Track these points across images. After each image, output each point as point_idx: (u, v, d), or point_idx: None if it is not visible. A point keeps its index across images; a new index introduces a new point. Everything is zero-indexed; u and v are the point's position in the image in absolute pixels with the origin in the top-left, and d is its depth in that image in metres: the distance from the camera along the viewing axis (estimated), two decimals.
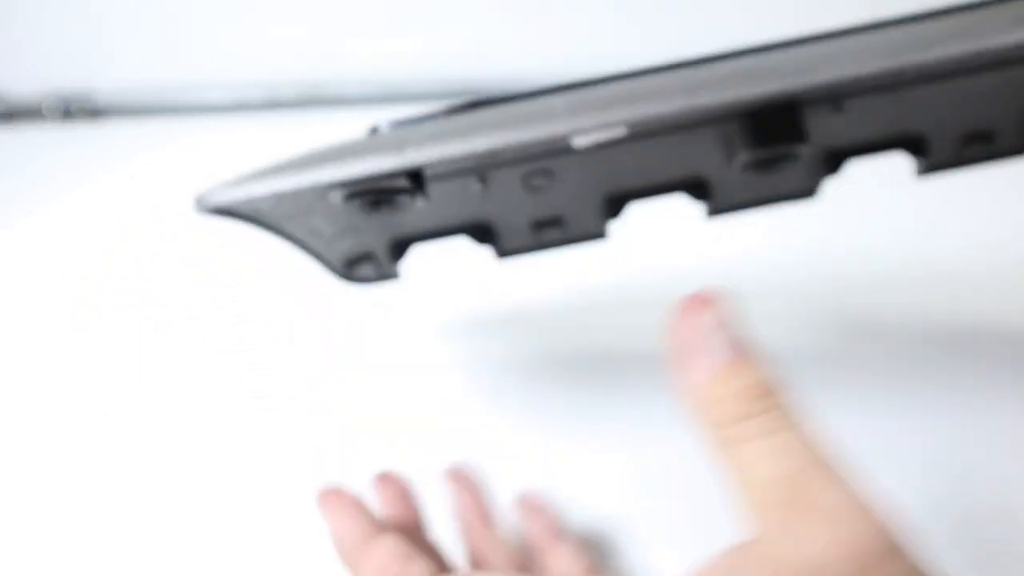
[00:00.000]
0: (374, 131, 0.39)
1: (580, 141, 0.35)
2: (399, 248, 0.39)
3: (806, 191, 0.39)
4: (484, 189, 0.38)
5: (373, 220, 0.39)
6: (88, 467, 0.45)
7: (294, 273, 0.58)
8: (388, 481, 0.39)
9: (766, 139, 0.34)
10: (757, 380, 0.26)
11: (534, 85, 1.10)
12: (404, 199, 0.35)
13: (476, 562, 0.38)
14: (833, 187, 0.40)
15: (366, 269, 0.42)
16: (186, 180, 0.81)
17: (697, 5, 1.09)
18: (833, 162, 0.39)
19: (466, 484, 0.42)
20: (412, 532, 0.36)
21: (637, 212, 0.39)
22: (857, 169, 0.40)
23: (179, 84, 1.00)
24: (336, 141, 0.37)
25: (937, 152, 0.39)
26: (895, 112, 0.37)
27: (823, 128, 0.36)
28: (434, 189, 0.36)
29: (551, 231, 0.40)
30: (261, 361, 0.56)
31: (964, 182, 0.44)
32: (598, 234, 0.41)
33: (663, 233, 0.50)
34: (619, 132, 0.34)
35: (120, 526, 0.42)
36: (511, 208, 0.39)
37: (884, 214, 0.62)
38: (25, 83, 0.99)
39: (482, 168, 0.37)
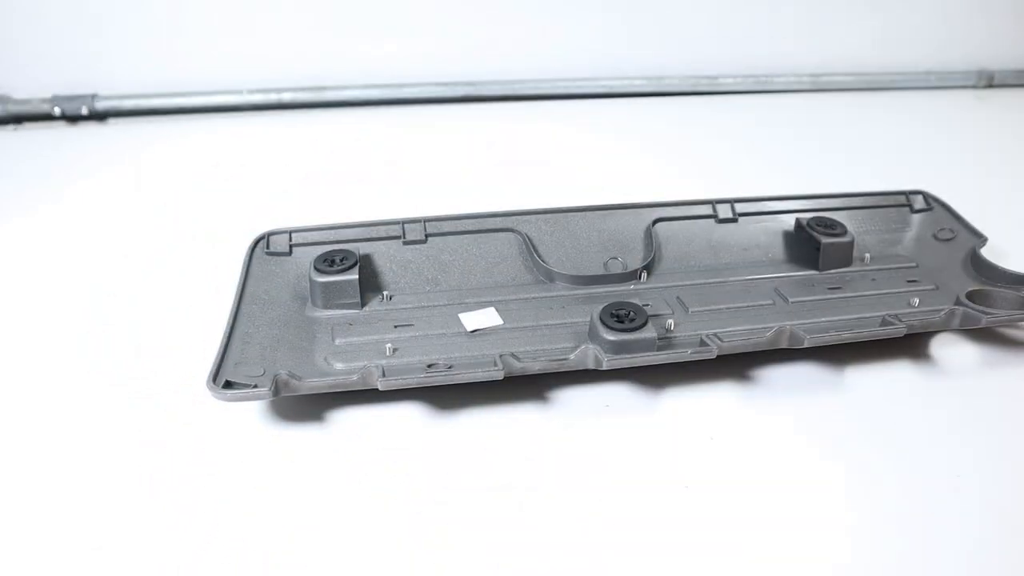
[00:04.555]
0: None
1: None
2: None
3: None
4: None
5: None
6: (98, 458, 0.45)
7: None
8: None
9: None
10: None
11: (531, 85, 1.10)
12: None
13: None
14: None
15: None
16: (189, 179, 0.82)
17: (691, 9, 1.09)
18: None
19: None
20: None
21: None
22: None
23: (182, 87, 1.01)
24: None
25: None
26: None
27: None
28: None
29: None
30: None
31: None
32: None
33: None
34: None
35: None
36: None
37: None
38: (33, 88, 1.00)
39: None
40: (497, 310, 0.57)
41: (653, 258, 0.61)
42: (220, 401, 0.45)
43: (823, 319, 0.55)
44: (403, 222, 0.61)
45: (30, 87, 0.99)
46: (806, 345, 0.49)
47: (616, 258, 0.62)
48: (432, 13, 1.03)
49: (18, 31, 0.97)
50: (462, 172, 0.84)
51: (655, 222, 0.63)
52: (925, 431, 0.48)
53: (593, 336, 0.50)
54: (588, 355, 0.47)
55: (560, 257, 0.62)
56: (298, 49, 1.03)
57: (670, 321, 0.54)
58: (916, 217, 0.68)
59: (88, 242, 0.69)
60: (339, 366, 0.51)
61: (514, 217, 0.63)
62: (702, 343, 0.49)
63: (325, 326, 0.55)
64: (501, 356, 0.47)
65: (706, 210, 0.65)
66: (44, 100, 0.99)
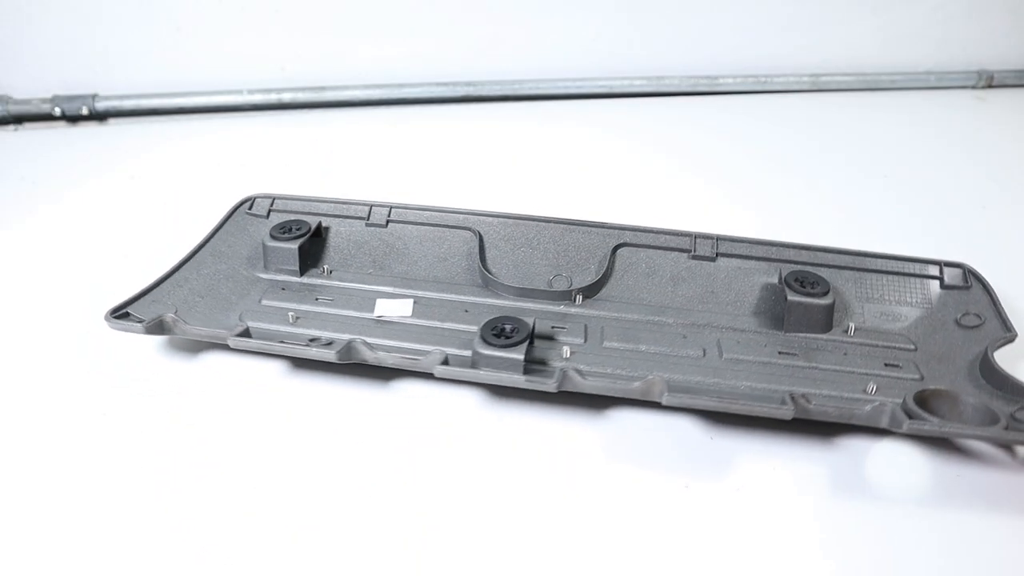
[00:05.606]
0: None
1: None
2: None
3: None
4: None
5: None
6: (94, 455, 0.45)
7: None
8: None
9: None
10: None
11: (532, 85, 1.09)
12: None
13: None
14: None
15: None
16: (189, 179, 0.82)
17: (691, 9, 1.09)
18: None
19: None
20: None
21: None
22: None
23: (182, 87, 1.01)
24: None
25: None
26: None
27: None
28: None
29: None
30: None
31: None
32: None
33: None
34: None
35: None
36: None
37: None
38: (33, 88, 1.00)
39: None
40: (418, 304, 0.57)
41: (599, 283, 0.58)
42: (109, 327, 0.51)
43: (742, 383, 0.49)
44: (372, 205, 0.64)
45: (30, 87, 0.99)
46: (664, 403, 0.44)
47: (563, 275, 0.60)
48: (432, 13, 1.03)
49: (18, 31, 0.97)
50: (460, 172, 0.84)
51: (618, 247, 0.59)
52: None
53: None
54: (434, 360, 0.47)
55: (507, 264, 0.61)
56: (298, 49, 1.03)
57: (566, 348, 0.52)
58: (944, 293, 0.56)
59: (88, 242, 0.69)
60: (249, 323, 0.54)
61: (477, 217, 0.62)
62: (559, 376, 0.45)
63: (260, 287, 0.60)
64: (352, 342, 0.48)
65: (684, 243, 0.59)
66: (44, 100, 0.99)
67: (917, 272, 0.56)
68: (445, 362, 0.47)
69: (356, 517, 0.41)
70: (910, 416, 0.43)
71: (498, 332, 0.49)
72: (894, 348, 0.53)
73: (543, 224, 0.61)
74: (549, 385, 0.45)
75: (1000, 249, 0.68)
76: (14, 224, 0.72)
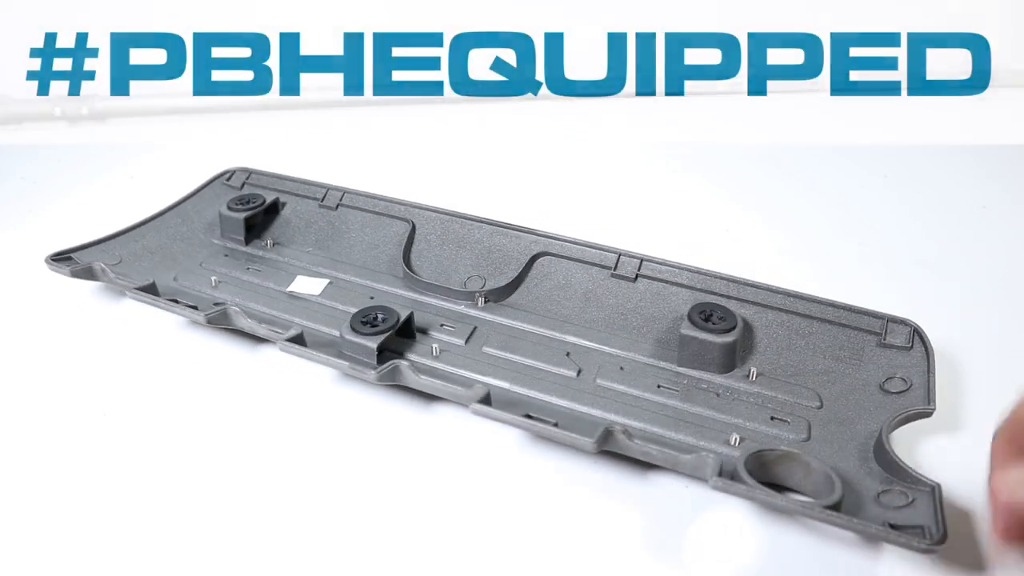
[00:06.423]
0: None
1: None
2: None
3: None
4: None
5: None
6: (96, 462, 0.45)
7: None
8: None
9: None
10: None
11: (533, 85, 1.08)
12: None
13: None
14: None
15: None
16: (190, 179, 0.82)
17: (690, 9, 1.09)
18: None
19: None
20: None
21: None
22: None
23: (182, 87, 1.01)
24: None
25: None
26: None
27: None
28: None
29: None
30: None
31: None
32: None
33: None
34: None
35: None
36: None
37: None
38: (34, 87, 1.00)
39: None
40: (332, 285, 0.59)
41: (507, 288, 0.57)
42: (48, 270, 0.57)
43: (596, 411, 0.47)
44: (329, 188, 0.67)
45: (30, 87, 0.99)
46: (469, 410, 0.44)
47: (480, 277, 0.59)
48: (432, 14, 1.03)
49: (20, 35, 0.97)
50: (459, 172, 0.84)
51: (538, 255, 0.58)
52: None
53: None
54: (286, 335, 0.50)
55: (431, 259, 0.61)
56: (298, 48, 1.03)
57: (436, 346, 0.52)
58: (879, 351, 0.50)
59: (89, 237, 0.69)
60: (181, 282, 0.59)
61: (417, 210, 0.63)
62: (389, 368, 0.47)
63: (208, 251, 0.64)
64: (227, 309, 0.52)
65: (607, 259, 0.56)
66: (44, 100, 0.99)
67: (855, 324, 0.51)
68: (297, 339, 0.50)
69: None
70: (731, 476, 0.40)
71: (369, 320, 0.50)
72: (794, 403, 0.48)
73: (474, 223, 0.61)
74: (370, 376, 0.47)
75: (1000, 249, 0.68)
76: (14, 224, 0.72)
